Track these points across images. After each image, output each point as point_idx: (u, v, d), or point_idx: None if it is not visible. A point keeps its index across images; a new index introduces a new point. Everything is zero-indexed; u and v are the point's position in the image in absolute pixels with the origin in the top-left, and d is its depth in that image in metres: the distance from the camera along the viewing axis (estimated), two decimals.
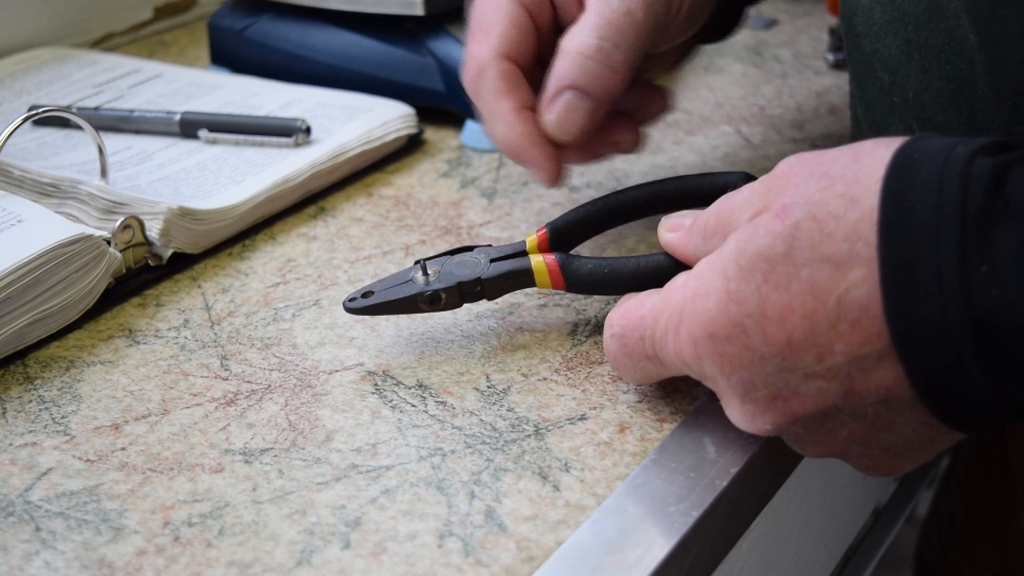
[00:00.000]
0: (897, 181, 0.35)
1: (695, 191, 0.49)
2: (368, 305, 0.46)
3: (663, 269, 0.44)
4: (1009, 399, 0.34)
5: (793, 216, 0.36)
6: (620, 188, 0.51)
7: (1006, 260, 0.33)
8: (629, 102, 0.54)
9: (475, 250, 0.48)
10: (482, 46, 0.50)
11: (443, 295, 0.46)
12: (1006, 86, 0.42)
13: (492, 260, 0.47)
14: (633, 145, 0.54)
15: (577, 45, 0.49)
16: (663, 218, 0.45)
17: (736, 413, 0.39)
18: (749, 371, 0.37)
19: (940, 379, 0.34)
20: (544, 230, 0.48)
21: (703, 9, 0.53)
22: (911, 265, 0.34)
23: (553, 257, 0.46)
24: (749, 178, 0.49)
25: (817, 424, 0.38)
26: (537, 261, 0.46)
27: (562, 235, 0.48)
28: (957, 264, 0.33)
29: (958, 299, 0.33)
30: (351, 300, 0.47)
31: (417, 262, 0.48)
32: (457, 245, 0.54)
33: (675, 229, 0.44)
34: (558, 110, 0.49)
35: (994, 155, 0.35)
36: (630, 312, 0.42)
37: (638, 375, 0.43)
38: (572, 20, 0.50)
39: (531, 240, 0.48)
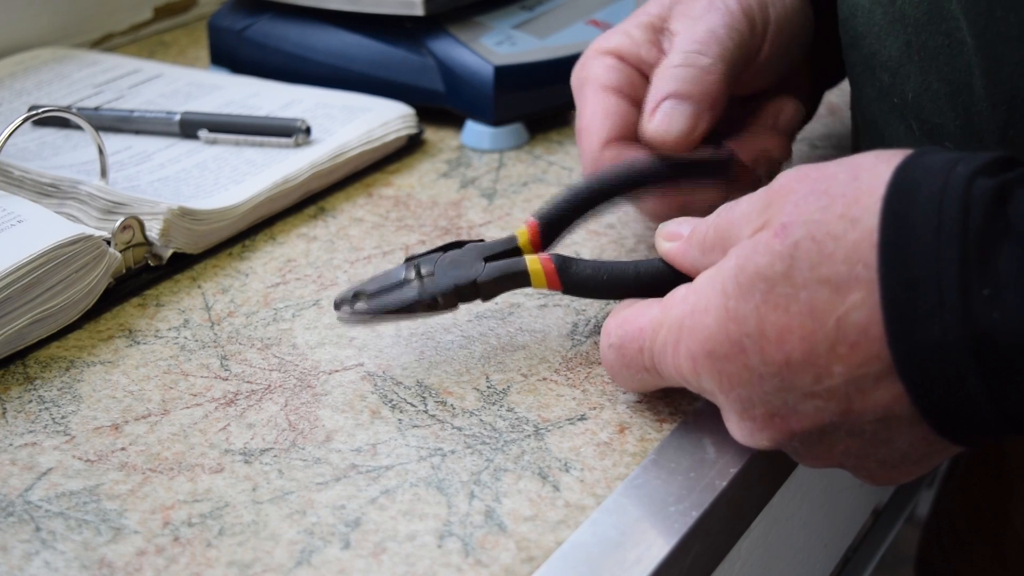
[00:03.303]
0: (897, 202, 0.34)
1: (681, 173, 0.48)
2: (364, 312, 0.45)
3: (662, 276, 0.43)
4: (1010, 416, 0.34)
5: (793, 236, 0.36)
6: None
7: (1008, 283, 0.33)
8: (766, 117, 0.53)
9: (466, 246, 0.47)
10: (587, 144, 0.51)
11: (440, 299, 0.46)
12: (1002, 89, 0.41)
13: (486, 259, 0.46)
14: (782, 151, 0.53)
15: (665, 63, 0.49)
16: (660, 226, 0.44)
17: (735, 428, 0.39)
18: (747, 389, 0.37)
19: (941, 398, 0.34)
20: (534, 222, 0.48)
21: (798, 31, 0.53)
22: (912, 287, 0.33)
23: (549, 258, 0.45)
24: (739, 164, 0.49)
25: (815, 440, 0.38)
26: (533, 262, 0.45)
27: (552, 224, 0.48)
28: (958, 287, 0.33)
29: (960, 322, 0.33)
30: (341, 303, 0.46)
31: (407, 260, 0.47)
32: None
33: (673, 238, 0.43)
34: (658, 116, 0.48)
35: (995, 174, 0.34)
36: (628, 322, 0.42)
37: (635, 385, 0.43)
38: None
39: (522, 233, 0.47)
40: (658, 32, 0.52)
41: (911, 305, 0.33)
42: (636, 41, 0.52)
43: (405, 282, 0.46)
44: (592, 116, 0.51)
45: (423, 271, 0.46)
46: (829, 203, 0.36)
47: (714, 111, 0.49)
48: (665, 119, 0.48)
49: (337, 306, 0.46)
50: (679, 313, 0.39)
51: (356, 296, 0.46)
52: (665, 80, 0.49)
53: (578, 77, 0.53)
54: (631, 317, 0.42)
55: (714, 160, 0.49)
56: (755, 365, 0.37)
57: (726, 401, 0.39)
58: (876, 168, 0.36)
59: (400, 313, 0.46)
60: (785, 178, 0.38)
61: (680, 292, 0.40)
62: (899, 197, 0.34)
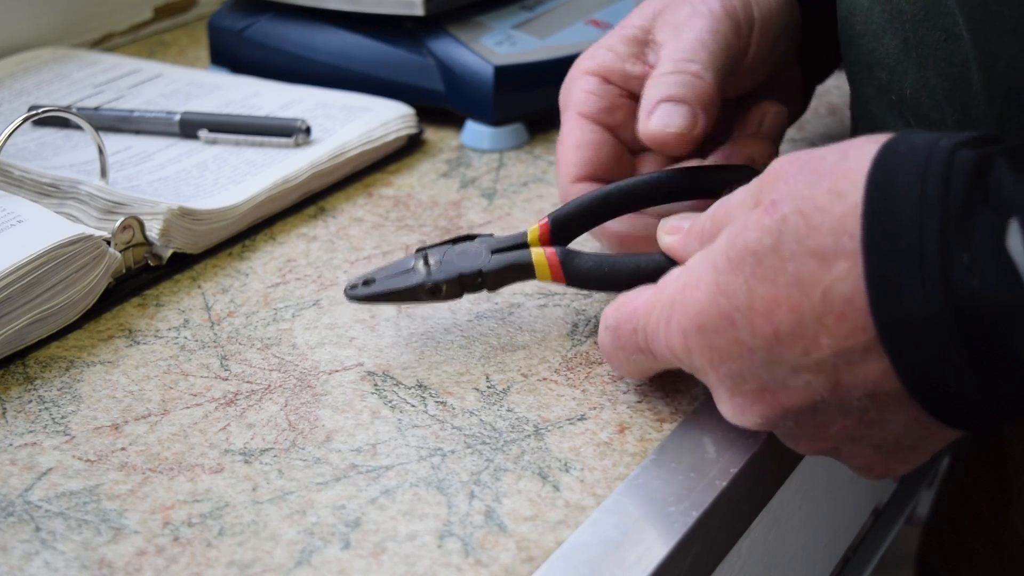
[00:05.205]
0: (881, 174, 0.35)
1: (696, 183, 0.49)
2: (369, 294, 0.47)
3: (663, 270, 0.44)
4: (995, 390, 0.34)
5: (781, 211, 0.36)
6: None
7: (986, 250, 0.33)
8: (750, 122, 0.53)
9: (476, 239, 0.48)
10: (560, 177, 0.51)
11: (444, 286, 0.46)
12: (997, 83, 0.42)
13: (493, 251, 0.48)
14: (767, 157, 0.52)
15: (656, 72, 0.49)
16: (661, 220, 0.45)
17: (726, 407, 0.40)
18: (737, 363, 0.38)
19: (926, 371, 0.34)
20: (546, 221, 0.49)
21: (783, 28, 0.53)
22: (894, 257, 0.34)
23: (554, 251, 0.46)
24: (750, 172, 0.49)
25: (806, 418, 0.38)
26: (538, 254, 0.46)
27: (563, 226, 0.49)
28: (939, 255, 0.33)
29: (940, 290, 0.33)
30: (352, 288, 0.47)
31: (418, 251, 0.48)
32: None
33: (674, 232, 0.44)
34: (657, 114, 0.48)
35: (977, 148, 0.35)
36: (624, 305, 0.42)
37: (631, 368, 0.43)
38: None
39: (532, 231, 0.48)
40: (643, 45, 0.52)
41: (894, 275, 0.34)
42: (620, 56, 0.52)
43: (412, 269, 0.47)
44: (566, 149, 0.51)
45: (431, 260, 0.47)
46: (817, 179, 0.36)
47: (709, 114, 0.49)
48: (664, 116, 0.48)
49: (347, 288, 0.47)
50: (672, 291, 0.40)
51: (367, 283, 0.47)
52: (658, 87, 0.48)
53: (563, 98, 0.53)
54: (627, 300, 0.42)
55: (731, 171, 0.49)
56: (745, 338, 0.37)
57: (717, 378, 0.39)
58: (865, 147, 0.36)
59: (404, 297, 0.47)
60: (778, 163, 0.38)
61: (674, 273, 0.41)
62: (884, 170, 0.35)
